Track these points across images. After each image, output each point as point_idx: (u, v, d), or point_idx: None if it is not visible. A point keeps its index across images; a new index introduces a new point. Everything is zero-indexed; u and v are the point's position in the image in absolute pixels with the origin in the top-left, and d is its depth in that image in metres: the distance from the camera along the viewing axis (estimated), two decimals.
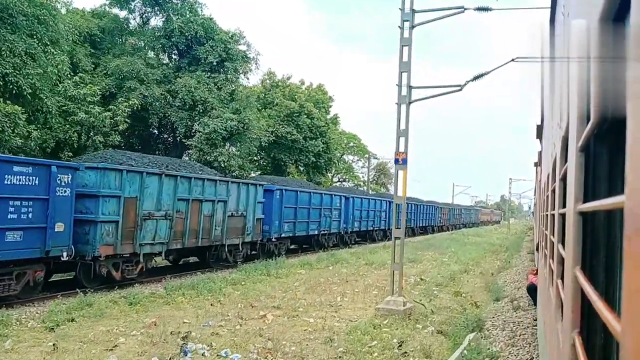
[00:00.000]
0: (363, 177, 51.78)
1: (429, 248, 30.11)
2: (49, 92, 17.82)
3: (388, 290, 15.19)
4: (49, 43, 17.35)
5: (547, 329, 4.23)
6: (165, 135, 32.24)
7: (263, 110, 39.69)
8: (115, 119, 21.92)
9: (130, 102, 23.23)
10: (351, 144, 53.41)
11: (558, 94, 3.32)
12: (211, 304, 12.28)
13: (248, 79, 33.15)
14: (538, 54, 6.92)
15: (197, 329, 9.77)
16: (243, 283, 15.19)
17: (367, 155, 53.26)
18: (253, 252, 19.48)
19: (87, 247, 11.73)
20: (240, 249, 17.35)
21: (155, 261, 14.86)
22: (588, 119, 1.49)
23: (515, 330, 10.28)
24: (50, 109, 18.06)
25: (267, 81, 42.13)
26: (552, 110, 4.36)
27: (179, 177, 14.01)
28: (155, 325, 9.89)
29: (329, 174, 51.00)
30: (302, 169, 41.34)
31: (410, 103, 11.38)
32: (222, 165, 28.08)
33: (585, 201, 1.76)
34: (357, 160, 55.24)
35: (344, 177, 53.33)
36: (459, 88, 11.15)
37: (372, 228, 31.13)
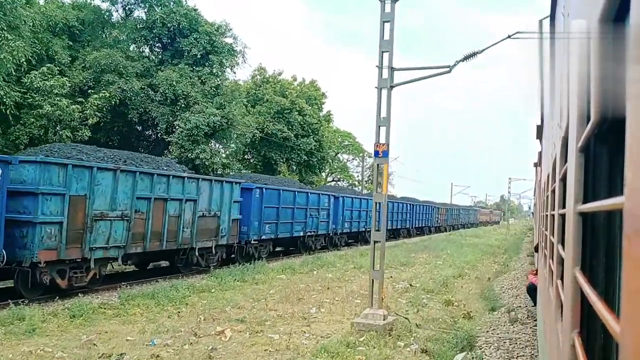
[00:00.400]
0: (358, 176, 50.31)
1: (423, 250, 28.68)
2: (2, 81, 16.38)
3: (375, 299, 13.80)
4: (5, 28, 15.93)
5: (547, 329, 4.18)
6: (149, 132, 30.80)
7: (252, 107, 38.30)
8: (85, 112, 20.48)
9: (101, 94, 21.78)
10: (346, 143, 51.94)
11: (558, 94, 3.30)
12: (168, 316, 10.85)
13: (235, 72, 31.78)
14: (538, 53, 6.78)
15: (139, 348, 8.35)
16: (213, 291, 13.76)
17: (362, 154, 51.76)
18: (232, 256, 18.08)
19: (24, 252, 10.29)
20: (214, 252, 15.90)
21: (113, 267, 13.43)
22: (588, 119, 1.47)
23: (512, 350, 8.83)
24: (4, 100, 16.60)
25: (258, 77, 40.70)
26: (552, 110, 4.33)
27: (137, 173, 12.56)
28: (90, 343, 8.47)
29: (323, 173, 49.54)
30: (294, 167, 39.90)
31: (392, 87, 9.95)
32: (206, 163, 26.67)
33: (585, 202, 1.76)
34: (353, 159, 53.82)
35: (338, 176, 51.82)
36: (448, 69, 9.72)
37: (364, 229, 29.67)
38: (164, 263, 16.95)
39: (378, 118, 9.95)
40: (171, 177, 13.74)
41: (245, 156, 41.55)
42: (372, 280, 9.99)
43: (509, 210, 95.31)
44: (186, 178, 14.36)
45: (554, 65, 4.04)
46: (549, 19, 5.15)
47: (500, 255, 29.57)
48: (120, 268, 14.90)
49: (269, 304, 12.34)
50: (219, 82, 28.41)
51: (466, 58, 9.63)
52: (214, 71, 28.66)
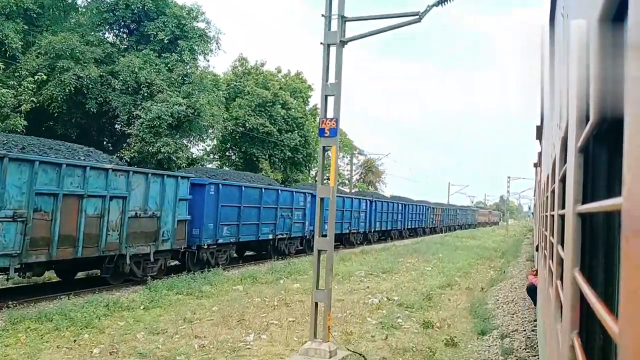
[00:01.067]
0: (349, 175, 47.60)
1: (413, 254, 26.12)
2: None
3: (338, 318, 11.29)
4: None
5: (546, 330, 4.01)
6: (114, 125, 28.23)
7: (233, 100, 35.79)
8: (18, 97, 17.94)
9: (37, 77, 19.17)
10: None
11: (557, 95, 3.32)
12: (57, 347, 8.33)
13: (208, 60, 29.18)
14: (537, 54, 6.67)
15: None
16: (142, 308, 11.24)
17: (354, 151, 49.15)
18: (183, 262, 15.56)
19: None
20: (152, 259, 13.35)
21: (8, 279, 10.87)
22: (587, 120, 1.48)
23: None
24: None
25: (239, 68, 38.15)
26: (552, 110, 4.27)
27: (37, 162, 10.00)
28: None
29: (312, 171, 46.95)
30: (278, 164, 37.32)
31: (344, 43, 7.41)
32: (173, 157, 24.09)
33: (584, 202, 1.76)
34: (343, 156, 51.09)
35: (327, 174, 49.07)
36: (417, 18, 7.17)
37: (348, 231, 27.14)
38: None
39: (324, 85, 7.42)
40: (89, 168, 11.18)
41: (227, 153, 39.04)
42: (316, 303, 7.45)
43: (509, 210, 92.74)
44: (111, 170, 11.80)
45: (554, 66, 3.95)
46: (548, 19, 4.92)
47: (497, 259, 27.02)
48: (29, 280, 12.34)
49: (201, 327, 9.81)
50: (189, 70, 25.82)
51: (440, 2, 7.09)
52: (184, 58, 26.09)
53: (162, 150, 22.57)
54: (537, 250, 12.86)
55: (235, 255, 19.93)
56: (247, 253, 21.33)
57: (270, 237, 19.13)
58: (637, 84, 0.76)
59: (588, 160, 1.72)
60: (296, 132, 36.84)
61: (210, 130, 27.15)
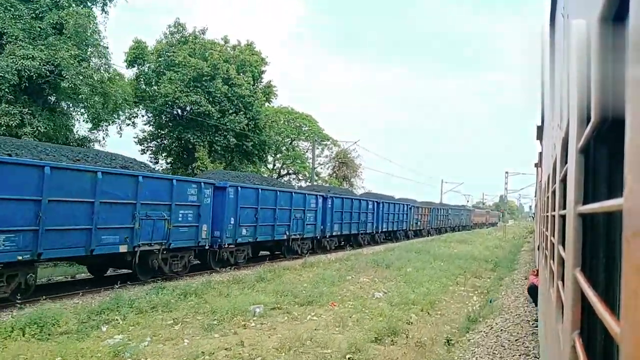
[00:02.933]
0: (318, 167, 40.67)
1: (373, 267, 19.26)
2: None
3: None
4: None
5: (547, 330, 4.15)
6: None
7: (163, 74, 29.00)
8: None
9: None
10: (304, 128, 42.25)
11: (558, 95, 3.36)
12: None
13: (107, 12, 22.31)
14: (538, 55, 6.81)
15: None
16: None
17: (325, 141, 42.24)
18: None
19: None
20: None
21: None
22: (588, 120, 1.48)
23: None
24: None
25: (176, 35, 31.29)
26: (553, 111, 4.35)
27: None
28: None
29: (275, 162, 40.09)
30: (221, 153, 30.47)
31: None
32: (19, 132, 17.15)
33: (585, 203, 1.76)
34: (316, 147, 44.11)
35: (292, 167, 42.00)
36: None
37: (285, 236, 20.24)
38: None
39: None
40: None
41: (161, 140, 32.15)
42: None
43: (508, 210, 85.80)
44: None
45: (554, 66, 3.99)
46: (548, 19, 4.83)
47: (486, 273, 20.18)
48: None
49: None
50: (68, 20, 18.90)
51: None
52: (60, 2, 19.20)
53: (0, 122, 15.73)
54: (537, 249, 13.03)
55: (73, 278, 13.12)
56: (120, 272, 14.54)
57: (124, 249, 12.21)
58: (638, 84, 0.77)
59: (589, 160, 1.72)
60: (242, 113, 29.97)
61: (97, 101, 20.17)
